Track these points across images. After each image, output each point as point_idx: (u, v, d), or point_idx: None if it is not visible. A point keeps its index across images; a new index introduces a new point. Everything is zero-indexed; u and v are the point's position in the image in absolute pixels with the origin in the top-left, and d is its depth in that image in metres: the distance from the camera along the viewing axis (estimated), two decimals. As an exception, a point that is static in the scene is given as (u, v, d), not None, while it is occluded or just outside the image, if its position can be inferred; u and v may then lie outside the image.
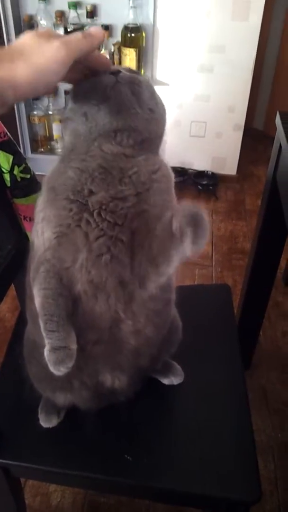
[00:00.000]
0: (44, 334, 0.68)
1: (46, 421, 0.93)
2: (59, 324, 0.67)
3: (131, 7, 2.29)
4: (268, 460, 1.44)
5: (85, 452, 0.89)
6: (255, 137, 3.05)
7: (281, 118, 1.14)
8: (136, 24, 2.35)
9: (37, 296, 0.68)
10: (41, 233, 0.67)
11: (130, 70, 0.68)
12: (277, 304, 1.98)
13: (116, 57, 2.42)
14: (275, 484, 1.38)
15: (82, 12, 2.37)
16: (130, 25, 2.35)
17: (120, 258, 0.65)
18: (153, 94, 0.68)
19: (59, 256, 0.66)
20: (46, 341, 0.68)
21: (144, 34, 2.41)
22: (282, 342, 1.82)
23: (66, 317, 0.68)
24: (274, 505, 1.34)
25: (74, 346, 0.68)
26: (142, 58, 2.45)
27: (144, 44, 2.44)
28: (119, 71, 0.64)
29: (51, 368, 0.67)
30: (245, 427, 0.93)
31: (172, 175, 0.71)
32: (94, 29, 0.57)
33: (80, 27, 2.37)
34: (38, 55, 0.51)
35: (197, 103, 2.59)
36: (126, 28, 2.35)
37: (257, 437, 1.49)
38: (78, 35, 0.55)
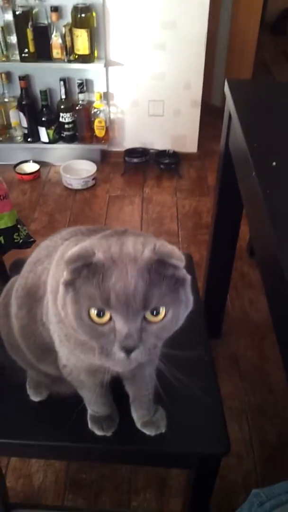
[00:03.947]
0: None
1: (36, 395, 0.95)
2: None
3: (79, -14, 2.26)
4: (242, 423, 1.49)
5: (54, 422, 0.91)
6: (213, 114, 3.05)
7: (229, 86, 1.16)
8: (86, 4, 2.32)
9: None
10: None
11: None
12: (243, 274, 2.03)
13: (68, 39, 2.39)
14: (250, 445, 1.44)
15: (30, -6, 2.32)
16: (80, 5, 2.31)
17: None
18: None
19: None
20: None
21: (94, 14, 2.38)
22: (249, 310, 1.88)
23: None
24: (250, 465, 1.40)
25: None
26: (94, 38, 2.42)
27: (95, 25, 2.41)
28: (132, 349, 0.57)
29: None
30: (212, 388, 0.97)
31: None
32: None
33: (28, 9, 2.32)
34: None
35: (153, 82, 2.59)
36: (76, 9, 2.32)
37: (231, 402, 1.55)
38: None
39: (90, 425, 0.88)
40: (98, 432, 0.87)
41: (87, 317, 0.57)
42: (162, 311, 0.57)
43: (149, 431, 0.88)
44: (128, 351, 0.56)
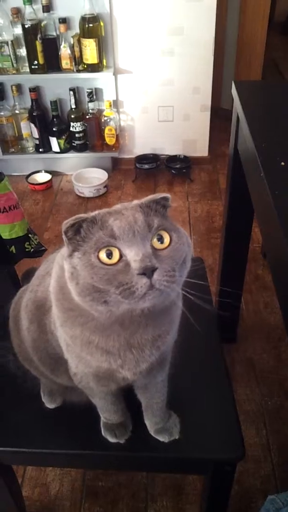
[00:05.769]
0: None
1: (51, 402, 0.96)
2: None
3: (86, -3, 2.28)
4: (260, 427, 1.47)
5: (68, 430, 0.91)
6: (224, 117, 3.05)
7: (236, 87, 1.15)
8: (93, 14, 2.34)
9: None
10: None
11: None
12: (258, 277, 2.01)
13: (76, 49, 2.41)
14: (268, 449, 1.42)
15: (38, 7, 2.35)
16: (87, 16, 2.34)
17: None
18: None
19: None
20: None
21: (102, 24, 2.40)
22: (265, 313, 1.85)
23: None
24: (268, 469, 1.37)
25: None
26: (102, 48, 2.44)
27: (103, 34, 2.43)
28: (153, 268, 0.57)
29: None
30: (225, 392, 0.95)
31: None
32: None
33: (37, 22, 2.35)
34: None
35: (162, 88, 2.60)
36: (84, 19, 2.34)
37: (248, 407, 1.53)
38: None
39: (103, 432, 0.88)
40: (111, 440, 0.87)
41: (98, 262, 0.58)
42: (166, 238, 0.60)
43: (162, 438, 0.88)
44: (148, 273, 0.56)
